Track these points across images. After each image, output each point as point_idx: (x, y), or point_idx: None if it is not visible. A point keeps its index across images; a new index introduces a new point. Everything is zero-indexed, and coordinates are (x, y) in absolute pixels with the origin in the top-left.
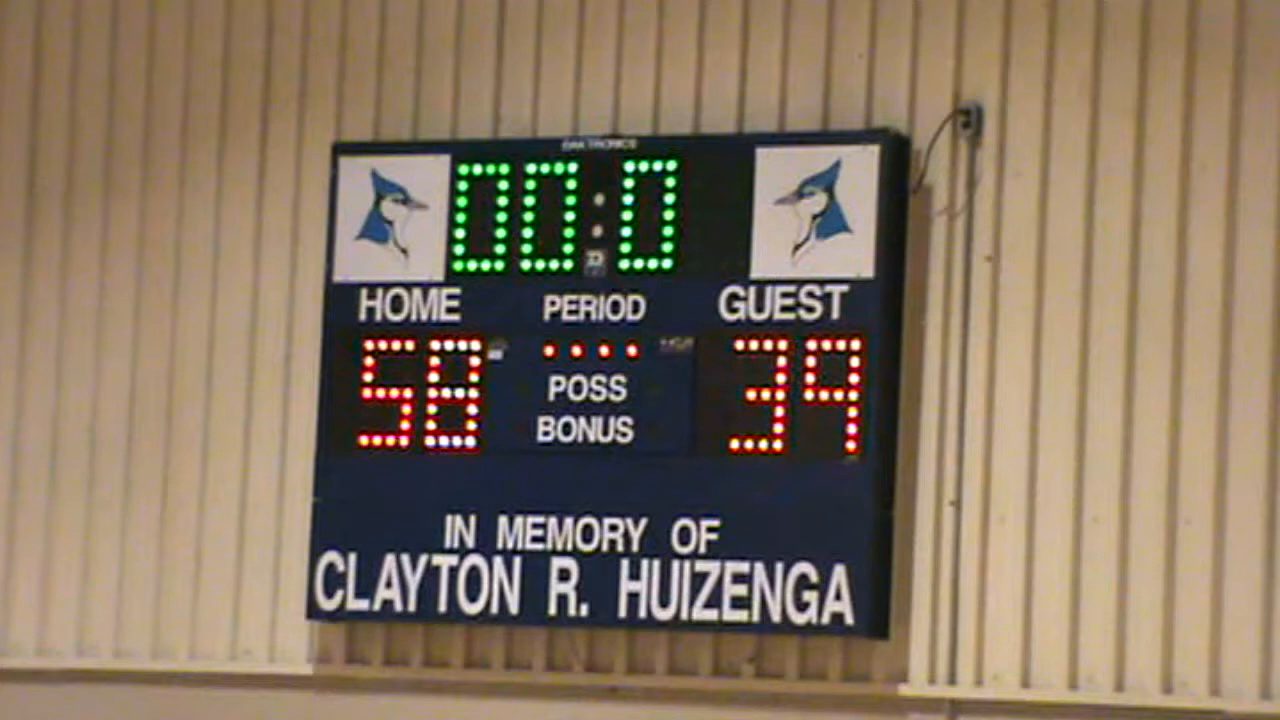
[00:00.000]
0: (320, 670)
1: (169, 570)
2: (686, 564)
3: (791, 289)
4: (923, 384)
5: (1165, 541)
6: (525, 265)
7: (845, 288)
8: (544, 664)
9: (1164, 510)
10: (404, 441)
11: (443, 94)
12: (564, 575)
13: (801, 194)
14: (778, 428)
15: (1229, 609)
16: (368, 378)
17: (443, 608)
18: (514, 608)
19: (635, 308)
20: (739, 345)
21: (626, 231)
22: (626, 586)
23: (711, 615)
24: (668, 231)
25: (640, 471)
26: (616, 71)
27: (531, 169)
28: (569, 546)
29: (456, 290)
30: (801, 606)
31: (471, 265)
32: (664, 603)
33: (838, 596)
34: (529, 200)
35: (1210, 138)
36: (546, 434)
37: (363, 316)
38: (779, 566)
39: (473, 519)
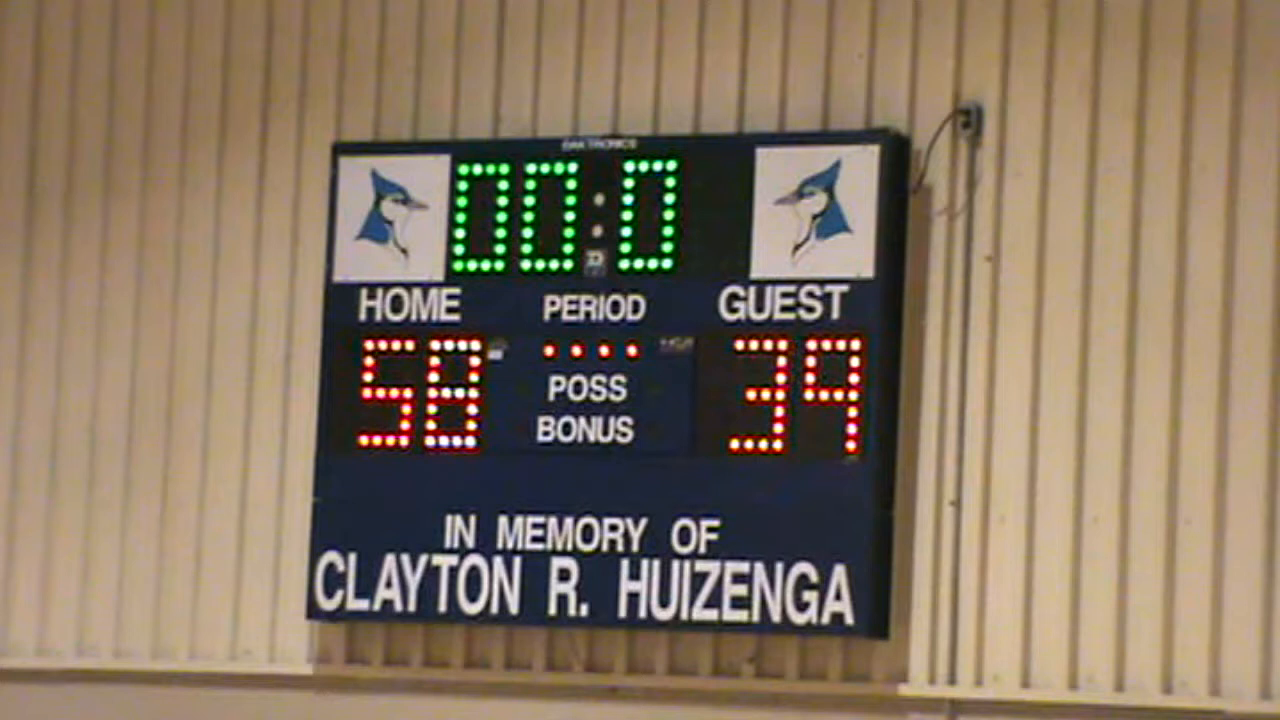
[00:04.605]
0: (320, 670)
1: (169, 570)
2: (686, 564)
3: (791, 289)
4: (923, 384)
5: (1165, 541)
6: (525, 265)
7: (845, 288)
8: (544, 664)
9: (1164, 510)
10: (404, 441)
11: (443, 94)
12: (564, 575)
13: (801, 194)
14: (778, 428)
15: (1229, 609)
16: (368, 378)
17: (443, 608)
18: (514, 608)
19: (635, 308)
20: (739, 345)
21: (626, 231)
22: (626, 586)
23: (711, 615)
24: (668, 231)
25: (640, 471)
26: (616, 71)
27: (531, 169)
28: (569, 546)
29: (456, 290)
30: (801, 606)
31: (471, 265)
32: (664, 603)
33: (838, 596)
34: (529, 200)
35: (1210, 138)
36: (546, 434)
37: (363, 316)
38: (779, 566)
39: (473, 519)
